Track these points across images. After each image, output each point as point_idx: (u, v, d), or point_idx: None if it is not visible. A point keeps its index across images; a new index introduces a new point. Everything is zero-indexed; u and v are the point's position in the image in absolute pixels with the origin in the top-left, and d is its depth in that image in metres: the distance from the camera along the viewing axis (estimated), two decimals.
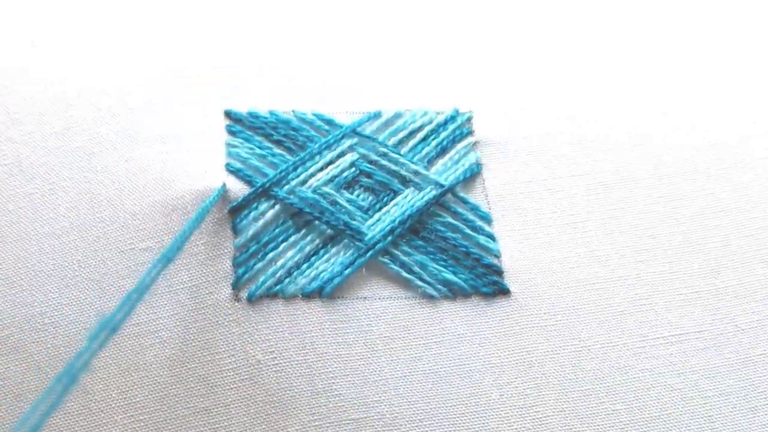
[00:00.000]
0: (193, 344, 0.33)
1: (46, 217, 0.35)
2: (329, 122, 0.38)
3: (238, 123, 0.38)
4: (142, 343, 0.33)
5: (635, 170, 0.39)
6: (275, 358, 0.33)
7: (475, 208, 0.37)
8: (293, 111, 0.38)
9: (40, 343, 0.33)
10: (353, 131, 0.38)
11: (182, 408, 0.32)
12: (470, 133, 0.39)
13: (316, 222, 0.36)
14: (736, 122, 0.41)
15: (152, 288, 0.33)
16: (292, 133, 0.37)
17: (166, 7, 0.41)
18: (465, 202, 0.37)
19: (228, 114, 0.38)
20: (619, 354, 0.35)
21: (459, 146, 0.38)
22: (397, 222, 0.36)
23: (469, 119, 0.39)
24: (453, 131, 0.39)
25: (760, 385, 0.35)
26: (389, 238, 0.36)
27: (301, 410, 0.32)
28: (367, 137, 0.38)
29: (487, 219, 0.37)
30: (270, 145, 0.37)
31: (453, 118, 0.39)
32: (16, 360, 0.33)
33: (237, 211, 0.36)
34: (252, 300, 0.34)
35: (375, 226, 0.36)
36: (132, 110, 0.38)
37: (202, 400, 0.32)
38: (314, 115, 0.38)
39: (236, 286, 0.34)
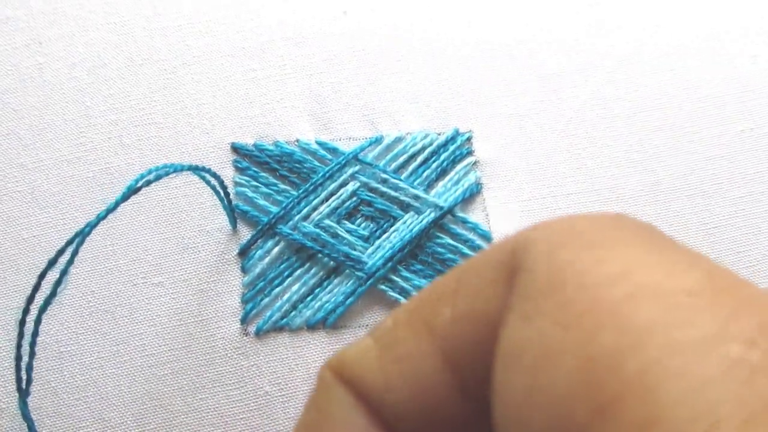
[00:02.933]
0: (204, 376, 0.36)
1: (59, 247, 0.37)
2: (333, 150, 0.40)
3: (245, 157, 0.40)
4: (156, 373, 0.36)
5: (632, 189, 0.39)
6: (282, 389, 0.35)
7: (475, 227, 0.38)
8: (297, 141, 0.40)
9: (56, 371, 0.36)
10: (355, 158, 0.39)
11: None
12: (470, 153, 0.40)
13: (319, 255, 0.37)
14: (730, 137, 0.41)
15: (163, 321, 0.36)
16: (296, 166, 0.39)
17: (176, 40, 0.42)
18: (465, 222, 0.38)
19: (235, 148, 0.40)
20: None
21: (459, 167, 0.40)
22: (396, 248, 0.38)
23: (468, 139, 0.40)
24: (453, 152, 0.40)
25: None
26: (388, 265, 0.37)
27: None
28: (368, 164, 0.39)
29: (487, 238, 0.38)
30: (276, 180, 0.39)
31: (453, 139, 0.40)
32: (33, 386, 0.35)
33: (245, 251, 0.38)
34: (260, 334, 0.36)
35: (375, 254, 0.38)
36: (141, 141, 0.40)
37: (212, 429, 0.35)
38: (318, 143, 0.40)
39: (244, 321, 0.37)
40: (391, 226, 0.38)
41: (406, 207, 0.39)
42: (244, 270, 0.38)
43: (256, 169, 0.39)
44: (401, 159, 0.40)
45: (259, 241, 0.38)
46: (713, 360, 0.14)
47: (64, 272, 0.28)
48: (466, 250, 0.38)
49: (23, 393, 0.31)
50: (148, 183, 0.30)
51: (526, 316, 0.16)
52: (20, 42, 0.42)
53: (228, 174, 0.39)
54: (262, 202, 0.39)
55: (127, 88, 0.41)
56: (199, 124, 0.40)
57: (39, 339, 0.36)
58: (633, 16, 0.43)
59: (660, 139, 0.41)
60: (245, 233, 0.38)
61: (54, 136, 0.40)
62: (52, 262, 0.28)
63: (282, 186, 0.39)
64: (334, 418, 0.19)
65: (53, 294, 0.29)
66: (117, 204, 0.29)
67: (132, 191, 0.29)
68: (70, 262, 0.30)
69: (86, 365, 0.36)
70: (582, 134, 0.40)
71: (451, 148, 0.40)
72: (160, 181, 0.38)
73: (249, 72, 0.41)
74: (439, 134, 0.40)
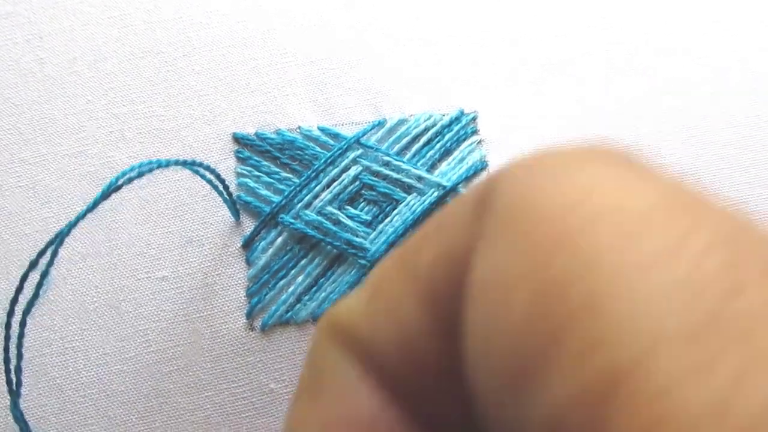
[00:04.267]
0: (210, 373, 0.36)
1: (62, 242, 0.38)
2: (335, 135, 0.39)
3: (247, 147, 0.39)
4: (162, 369, 0.36)
5: None
6: (287, 386, 0.35)
7: None
8: (299, 128, 0.39)
9: (61, 367, 0.36)
10: (357, 142, 0.39)
11: None
12: (475, 132, 0.39)
13: (322, 244, 0.37)
14: (738, 136, 0.39)
15: (168, 316, 0.36)
16: (298, 153, 0.39)
17: (176, 32, 0.42)
18: None
19: (236, 138, 0.39)
20: None
21: (463, 146, 0.39)
22: (399, 232, 0.37)
23: (473, 119, 0.39)
24: (457, 132, 0.39)
25: None
26: (392, 249, 0.37)
27: None
28: (371, 147, 0.38)
29: None
30: (278, 169, 0.39)
31: (457, 119, 0.39)
32: (38, 382, 0.36)
33: (249, 243, 0.37)
34: (265, 329, 0.36)
35: (378, 240, 0.37)
36: (142, 134, 0.39)
37: (218, 427, 0.35)
38: (320, 129, 0.39)
39: (250, 315, 0.36)
40: (394, 209, 0.38)
41: (408, 189, 0.38)
42: (249, 262, 0.37)
43: (257, 159, 0.39)
44: (404, 141, 0.39)
45: (262, 232, 0.37)
46: (662, 276, 0.14)
47: (44, 274, 0.28)
48: None
49: (14, 396, 0.31)
50: (130, 180, 0.29)
51: (490, 248, 0.16)
52: (21, 37, 0.42)
53: (230, 165, 0.39)
54: (264, 192, 0.38)
55: (128, 81, 0.41)
56: (200, 116, 0.40)
57: (44, 335, 0.36)
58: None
59: (669, 123, 0.39)
60: (248, 224, 0.38)
61: (55, 131, 0.39)
62: (33, 264, 0.28)
63: (284, 174, 0.39)
64: (325, 372, 0.19)
65: (36, 296, 0.29)
66: (96, 203, 0.29)
67: (113, 189, 0.29)
68: (50, 263, 0.29)
69: (91, 361, 0.36)
70: (588, 114, 0.39)
71: (456, 128, 0.39)
72: (162, 174, 0.38)
73: (250, 61, 0.41)
74: (444, 115, 0.39)
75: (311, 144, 0.39)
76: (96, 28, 0.42)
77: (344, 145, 0.39)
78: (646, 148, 0.39)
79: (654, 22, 0.41)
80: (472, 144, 0.39)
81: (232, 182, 0.39)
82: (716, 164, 0.39)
